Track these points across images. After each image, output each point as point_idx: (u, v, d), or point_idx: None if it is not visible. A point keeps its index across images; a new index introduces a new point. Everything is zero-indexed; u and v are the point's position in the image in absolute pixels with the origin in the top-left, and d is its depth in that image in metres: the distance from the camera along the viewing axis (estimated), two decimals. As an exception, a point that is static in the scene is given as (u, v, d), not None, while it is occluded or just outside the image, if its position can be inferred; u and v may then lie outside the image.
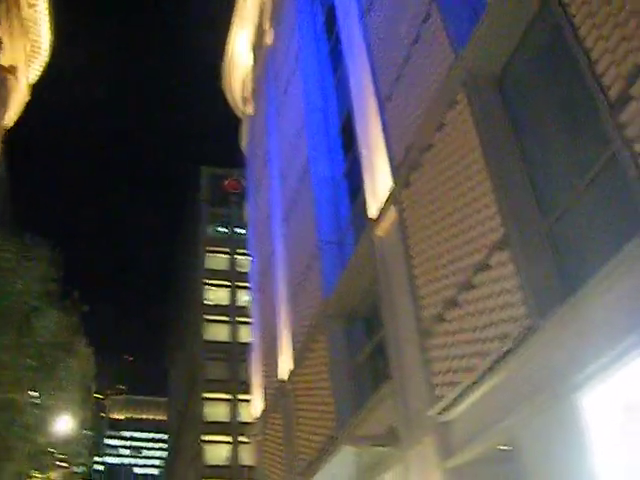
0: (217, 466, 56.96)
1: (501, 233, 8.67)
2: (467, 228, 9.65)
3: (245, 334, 61.66)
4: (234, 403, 59.64)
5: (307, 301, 17.77)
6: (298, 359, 18.05)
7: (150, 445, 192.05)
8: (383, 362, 14.51)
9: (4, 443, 20.65)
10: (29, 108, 37.44)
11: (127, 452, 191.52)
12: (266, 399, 22.08)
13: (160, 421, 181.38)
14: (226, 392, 59.75)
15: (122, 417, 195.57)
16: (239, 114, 37.74)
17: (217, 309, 64.20)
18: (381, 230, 13.28)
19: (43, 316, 20.24)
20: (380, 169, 13.66)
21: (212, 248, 68.15)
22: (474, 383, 9.15)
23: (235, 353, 61.39)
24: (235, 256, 67.99)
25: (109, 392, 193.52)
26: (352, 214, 17.09)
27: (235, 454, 57.51)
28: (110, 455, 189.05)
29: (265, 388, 22.45)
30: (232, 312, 64.02)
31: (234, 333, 63.11)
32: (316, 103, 20.11)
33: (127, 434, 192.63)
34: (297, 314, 18.73)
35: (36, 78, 38.36)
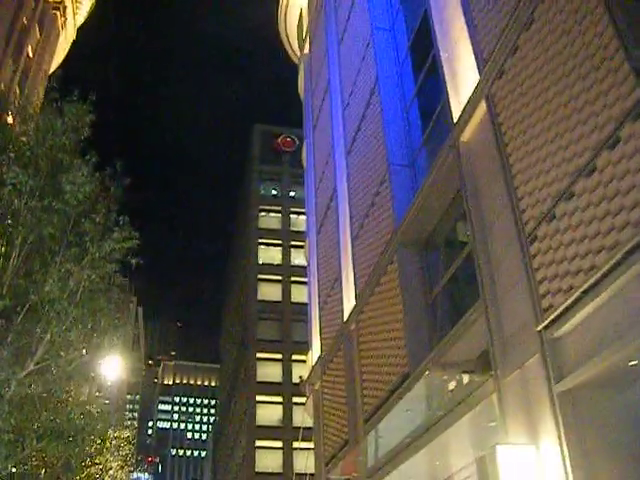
0: (269, 427, 56.08)
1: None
2: (589, 99, 7.95)
3: (298, 294, 60.69)
4: (287, 363, 58.58)
5: (375, 232, 16.20)
6: (363, 296, 16.53)
7: (200, 410, 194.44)
8: (463, 291, 13.04)
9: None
10: (73, 51, 35.88)
11: (178, 417, 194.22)
12: (324, 345, 20.66)
13: (211, 387, 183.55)
14: (279, 352, 58.71)
15: (173, 382, 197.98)
16: (295, 59, 36.32)
17: (270, 268, 63.06)
18: (467, 134, 11.63)
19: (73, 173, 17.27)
20: (465, 66, 11.99)
21: (265, 207, 66.92)
22: (594, 285, 7.50)
23: (288, 313, 60.31)
24: (288, 215, 66.63)
25: (160, 357, 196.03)
26: (425, 136, 15.42)
27: (288, 415, 56.51)
28: (162, 420, 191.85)
29: (324, 334, 21.01)
30: (285, 272, 62.82)
31: (287, 293, 61.93)
32: (383, 23, 18.50)
33: (178, 399, 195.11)
34: (363, 249, 17.19)
35: (82, 20, 36.81)
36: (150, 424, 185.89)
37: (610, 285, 7.29)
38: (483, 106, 10.96)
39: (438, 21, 13.81)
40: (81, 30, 36.67)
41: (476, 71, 11.37)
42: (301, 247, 63.54)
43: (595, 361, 7.49)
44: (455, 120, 12.02)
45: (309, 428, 50.18)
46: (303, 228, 65.07)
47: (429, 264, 14.24)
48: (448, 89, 12.71)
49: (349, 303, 18.06)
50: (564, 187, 8.30)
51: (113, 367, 22.77)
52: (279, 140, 69.39)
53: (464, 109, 11.64)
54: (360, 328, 16.63)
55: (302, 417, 53.83)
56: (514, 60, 10.06)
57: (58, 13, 32.38)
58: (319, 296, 22.10)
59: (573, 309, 7.90)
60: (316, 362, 21.51)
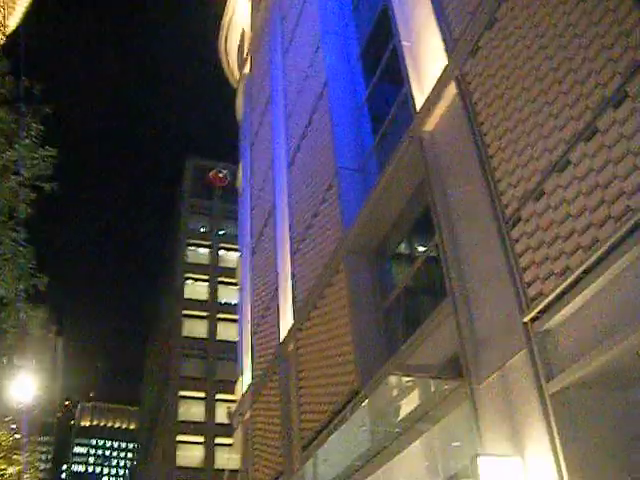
0: (190, 468, 53.55)
1: None
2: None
3: (225, 332, 58.88)
4: (210, 402, 56.36)
5: (319, 242, 14.94)
6: (303, 313, 15.16)
7: (117, 454, 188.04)
8: (422, 298, 11.89)
9: None
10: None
11: (94, 460, 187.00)
12: (256, 371, 19.14)
13: (130, 430, 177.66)
14: (202, 390, 56.45)
15: (91, 424, 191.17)
16: (234, 83, 35.28)
17: (196, 304, 61.00)
18: (431, 122, 10.57)
19: None
20: (430, 52, 11.05)
21: (193, 241, 65.09)
22: (597, 263, 6.41)
23: (213, 351, 58.29)
24: (217, 251, 64.95)
25: (78, 399, 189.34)
26: (376, 141, 14.39)
27: (211, 456, 54.16)
28: (78, 463, 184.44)
29: (256, 359, 19.49)
30: (212, 308, 60.90)
31: (213, 330, 59.95)
32: (333, 27, 17.57)
33: (95, 442, 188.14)
34: (304, 263, 15.89)
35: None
36: (65, 467, 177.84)
37: (617, 262, 6.19)
38: (452, 88, 9.94)
39: (400, 12, 12.86)
40: None
41: (443, 55, 10.41)
42: (229, 284, 61.95)
43: (594, 355, 6.37)
44: (418, 109, 10.98)
45: (234, 470, 48.33)
46: (232, 265, 63.54)
47: (381, 273, 13.04)
48: (410, 79, 11.69)
49: (286, 322, 16.67)
50: (556, 158, 7.25)
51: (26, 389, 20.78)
52: (211, 174, 67.83)
53: (428, 97, 10.62)
54: (299, 347, 15.23)
55: (227, 458, 51.84)
56: (491, 34, 9.10)
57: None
58: (252, 319, 20.61)
59: (568, 295, 6.78)
60: (247, 390, 19.95)
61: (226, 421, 54.28)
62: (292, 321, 16.06)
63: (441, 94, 10.22)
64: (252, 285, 21.30)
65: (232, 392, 49.72)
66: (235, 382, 48.77)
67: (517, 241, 7.73)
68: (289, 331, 16.19)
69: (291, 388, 15.63)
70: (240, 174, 28.43)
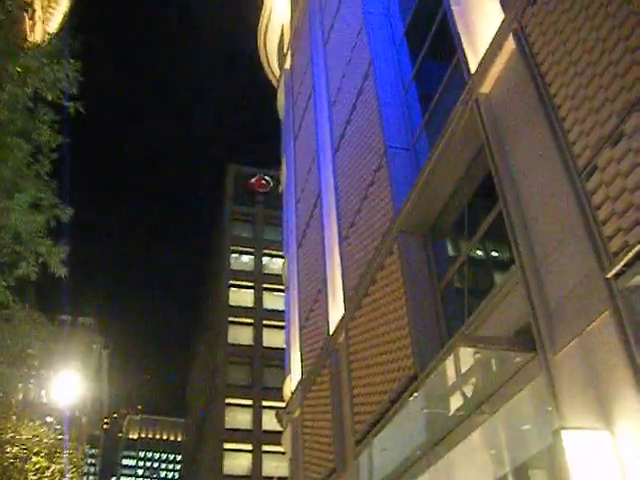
0: (238, 476, 53.06)
1: None
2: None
3: (270, 338, 58.43)
4: (257, 410, 55.84)
5: (369, 226, 14.27)
6: (354, 301, 14.48)
7: (165, 466, 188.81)
8: (482, 275, 11.12)
9: None
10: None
11: (142, 472, 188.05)
12: (305, 367, 18.48)
13: (177, 442, 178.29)
14: (249, 398, 55.96)
15: (139, 437, 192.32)
16: (275, 81, 34.88)
17: (241, 311, 60.63)
18: (488, 83, 9.84)
19: None
20: (483, 10, 10.34)
21: (237, 248, 64.78)
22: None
23: (259, 358, 57.82)
24: (261, 257, 64.56)
25: (126, 411, 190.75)
26: (425, 119, 13.68)
27: (258, 464, 53.60)
28: (126, 475, 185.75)
29: (305, 355, 18.84)
30: (257, 315, 60.48)
31: (258, 337, 59.49)
32: (376, 8, 16.94)
33: (143, 454, 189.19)
34: (353, 249, 15.24)
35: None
36: (113, 479, 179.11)
37: None
38: (510, 43, 9.21)
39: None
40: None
41: (498, 10, 9.70)
42: (274, 290, 61.52)
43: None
44: (473, 71, 10.26)
45: (283, 478, 47.69)
46: (277, 271, 63.24)
47: (436, 252, 12.30)
48: (462, 43, 10.98)
49: (336, 314, 15.99)
50: (635, 97, 6.48)
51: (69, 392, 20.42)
52: (253, 181, 67.74)
53: (483, 57, 9.90)
54: (350, 337, 14.52)
55: (275, 466, 51.30)
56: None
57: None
58: (300, 315, 19.96)
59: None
60: (295, 387, 19.29)
61: (273, 428, 53.72)
62: (342, 311, 15.39)
63: (498, 51, 9.50)
64: (299, 280, 20.67)
65: (279, 399, 49.29)
66: (282, 389, 48.31)
67: (594, 193, 6.96)
68: (339, 322, 15.52)
69: (342, 381, 14.96)
70: (283, 173, 27.81)
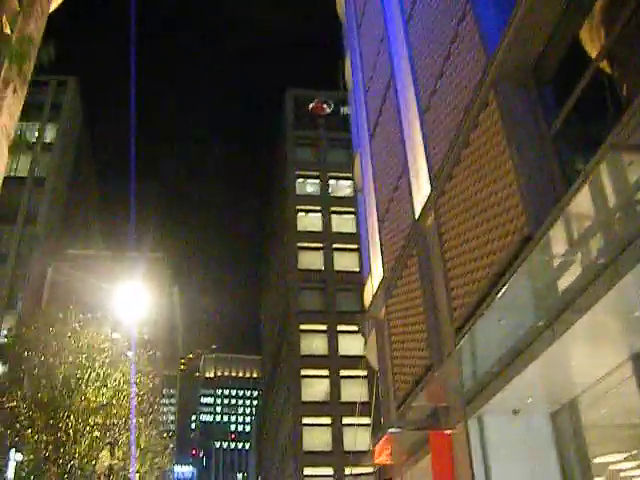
0: (316, 402, 52.47)
1: None
2: None
3: (341, 262, 57.22)
4: (332, 335, 54.88)
5: (455, 86, 12.40)
6: (443, 173, 12.69)
7: (243, 402, 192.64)
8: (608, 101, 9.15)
9: None
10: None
11: (221, 409, 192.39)
12: (388, 263, 16.88)
13: (253, 379, 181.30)
14: (323, 323, 54.99)
15: (215, 375, 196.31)
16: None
17: (310, 236, 59.29)
18: None
19: None
20: None
21: (302, 173, 63.14)
22: None
23: (331, 282, 56.62)
24: (327, 181, 62.87)
25: (201, 351, 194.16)
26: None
27: (336, 389, 52.87)
28: (205, 413, 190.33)
29: (386, 251, 17.22)
30: (326, 239, 59.11)
31: (329, 261, 58.19)
32: None
33: (220, 392, 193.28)
34: (437, 118, 13.41)
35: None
36: (193, 418, 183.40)
37: None
38: None
39: None
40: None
41: None
42: (342, 213, 60.03)
43: None
44: None
45: (363, 403, 46.90)
46: (343, 194, 61.71)
47: (541, 97, 10.33)
48: None
49: (421, 196, 14.25)
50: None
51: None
52: (313, 104, 65.61)
53: None
54: (441, 216, 12.79)
55: (353, 391, 50.40)
56: None
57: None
58: (377, 210, 18.29)
59: None
60: (377, 287, 17.73)
61: (350, 353, 52.91)
62: (428, 190, 13.64)
63: None
64: (374, 174, 18.94)
65: (354, 323, 48.22)
66: (356, 312, 47.19)
67: None
68: (426, 203, 13.78)
69: (434, 267, 13.32)
70: (347, 70, 25.88)
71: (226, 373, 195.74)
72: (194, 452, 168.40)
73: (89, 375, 19.38)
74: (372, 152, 19.28)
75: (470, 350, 10.79)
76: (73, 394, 18.65)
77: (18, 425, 18.53)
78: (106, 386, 20.19)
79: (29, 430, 18.42)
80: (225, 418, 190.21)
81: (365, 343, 20.46)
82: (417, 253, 14.18)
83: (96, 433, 19.14)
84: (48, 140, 61.55)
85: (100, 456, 19.26)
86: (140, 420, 21.59)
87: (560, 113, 9.59)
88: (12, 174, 55.73)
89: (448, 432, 11.87)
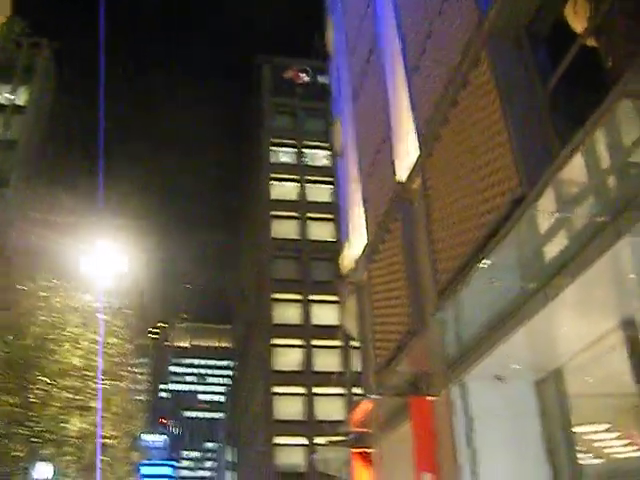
0: (288, 372, 52.36)
1: None
2: None
3: (316, 231, 56.93)
4: (306, 304, 54.67)
5: (445, 44, 12.06)
6: (430, 135, 12.38)
7: (214, 372, 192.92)
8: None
9: None
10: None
11: (192, 379, 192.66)
12: (370, 228, 16.61)
13: (223, 348, 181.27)
14: (297, 292, 54.72)
15: (186, 345, 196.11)
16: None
17: (284, 205, 58.78)
18: None
19: None
20: None
21: (277, 141, 62.40)
22: None
23: (306, 251, 56.32)
24: (302, 149, 62.24)
25: (173, 321, 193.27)
26: None
27: (308, 359, 52.80)
28: (175, 382, 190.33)
29: (368, 216, 16.96)
30: (301, 208, 58.68)
31: (304, 230, 57.82)
32: None
33: (190, 361, 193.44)
34: (425, 77, 13.09)
35: None
36: (163, 387, 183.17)
37: None
38: None
39: None
40: None
41: None
42: (318, 182, 59.60)
43: None
44: None
45: (336, 373, 46.92)
46: (320, 163, 61.16)
47: (535, 55, 10.02)
48: None
49: (407, 159, 13.95)
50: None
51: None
52: (291, 71, 64.92)
53: None
54: (429, 177, 12.49)
55: (325, 361, 50.41)
56: None
57: None
58: (360, 173, 17.98)
59: None
60: (362, 252, 17.47)
61: (323, 322, 52.81)
62: (415, 153, 13.34)
63: None
64: (356, 138, 18.60)
65: (329, 292, 48.02)
66: (330, 282, 47.00)
67: None
68: (413, 166, 13.48)
69: (419, 230, 13.03)
70: (329, 33, 25.39)
71: (196, 343, 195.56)
72: (163, 420, 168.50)
73: (61, 334, 18.98)
74: (354, 116, 18.92)
75: (454, 314, 10.61)
76: (43, 354, 18.28)
77: None
78: (79, 348, 19.76)
79: None
80: (195, 388, 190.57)
81: (342, 310, 20.20)
82: (401, 217, 13.90)
83: (68, 394, 18.73)
84: (21, 103, 60.25)
85: (70, 420, 18.86)
86: (114, 382, 21.23)
87: (555, 73, 9.31)
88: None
89: (430, 399, 11.68)
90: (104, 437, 20.38)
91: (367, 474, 15.61)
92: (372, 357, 15.66)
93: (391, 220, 14.54)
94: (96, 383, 19.58)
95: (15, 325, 19.04)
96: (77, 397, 19.17)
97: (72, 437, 19.12)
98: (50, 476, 18.96)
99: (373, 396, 13.01)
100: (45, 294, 19.76)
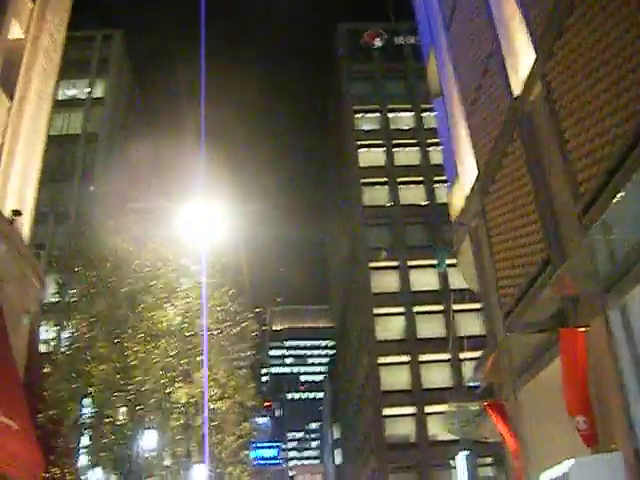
0: (392, 341, 50.75)
1: None
2: None
3: (407, 196, 55.27)
4: (404, 271, 52.84)
5: None
6: (554, 29, 10.65)
7: (313, 353, 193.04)
8: None
9: None
10: None
11: (291, 361, 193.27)
12: (482, 157, 14.99)
13: (321, 328, 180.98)
14: (393, 259, 52.86)
15: (284, 327, 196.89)
16: None
17: (374, 171, 56.82)
18: None
19: None
20: None
21: (359, 107, 60.33)
22: None
23: (399, 217, 54.40)
24: (387, 113, 60.12)
25: (268, 304, 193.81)
26: None
27: (412, 327, 51.02)
28: (275, 366, 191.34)
29: (478, 146, 15.33)
30: (391, 172, 56.73)
31: (396, 195, 55.86)
32: None
33: (289, 344, 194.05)
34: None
35: None
36: (264, 371, 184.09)
37: None
38: None
39: None
40: None
41: None
42: (405, 145, 57.61)
43: None
44: None
45: (442, 339, 45.35)
46: (405, 125, 59.03)
47: None
48: None
49: (521, 69, 12.24)
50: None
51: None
52: (367, 35, 62.90)
53: None
54: (552, 80, 10.78)
55: (436, 325, 48.58)
56: None
57: None
58: (464, 102, 16.32)
59: None
60: (471, 189, 15.87)
61: (423, 288, 51.02)
62: (531, 60, 11.65)
63: None
64: (455, 65, 16.94)
65: (428, 257, 46.18)
66: (426, 247, 45.24)
67: None
68: (529, 75, 11.79)
69: (544, 144, 11.36)
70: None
71: (293, 325, 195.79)
72: (268, 404, 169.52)
73: (154, 286, 18.17)
74: (450, 42, 17.23)
75: (614, 223, 8.71)
76: (137, 311, 17.45)
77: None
78: (174, 305, 18.79)
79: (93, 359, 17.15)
80: (296, 369, 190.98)
81: (457, 256, 18.54)
82: (519, 135, 12.24)
83: (168, 359, 17.74)
84: (99, 95, 60.15)
85: (176, 386, 17.91)
86: (217, 353, 20.15)
87: None
88: (64, 132, 54.90)
89: (582, 330, 9.97)
90: (211, 407, 19.32)
91: (504, 428, 14.08)
92: (497, 298, 14.09)
93: (507, 142, 12.89)
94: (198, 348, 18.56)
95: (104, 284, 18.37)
96: (180, 362, 18.16)
97: (179, 404, 18.12)
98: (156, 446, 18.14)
99: (512, 333, 11.41)
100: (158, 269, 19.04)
